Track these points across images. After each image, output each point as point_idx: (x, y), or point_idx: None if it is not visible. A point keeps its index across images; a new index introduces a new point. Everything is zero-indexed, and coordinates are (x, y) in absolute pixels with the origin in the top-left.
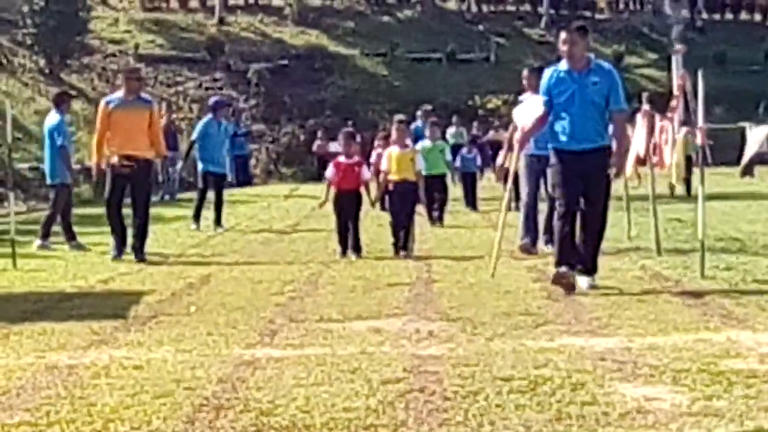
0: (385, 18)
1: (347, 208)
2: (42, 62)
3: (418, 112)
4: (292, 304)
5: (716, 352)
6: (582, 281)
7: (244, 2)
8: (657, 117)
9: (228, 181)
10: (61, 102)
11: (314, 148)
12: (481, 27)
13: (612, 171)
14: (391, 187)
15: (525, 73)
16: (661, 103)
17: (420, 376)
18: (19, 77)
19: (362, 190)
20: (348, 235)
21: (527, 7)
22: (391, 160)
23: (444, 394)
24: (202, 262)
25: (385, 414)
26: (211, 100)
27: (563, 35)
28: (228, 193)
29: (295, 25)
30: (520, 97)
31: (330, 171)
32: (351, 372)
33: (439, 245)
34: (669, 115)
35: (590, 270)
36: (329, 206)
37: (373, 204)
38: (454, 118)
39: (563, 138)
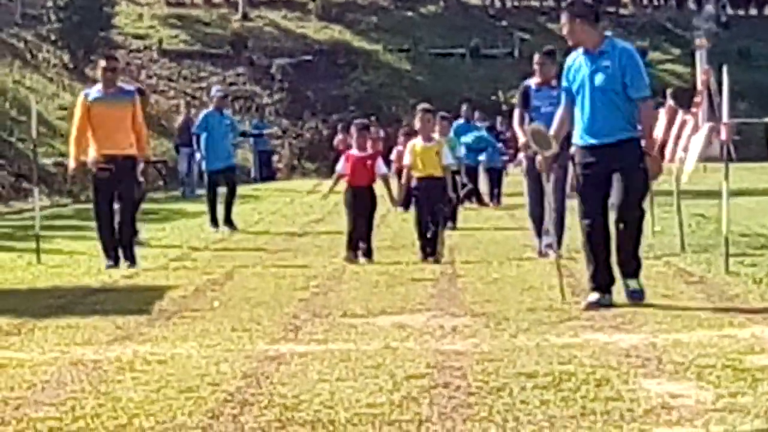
0: (409, 13)
1: (359, 206)
2: (66, 57)
3: (463, 107)
4: (315, 300)
5: (741, 348)
6: (627, 292)
7: None
8: (680, 112)
9: (252, 176)
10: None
11: (335, 142)
12: (504, 22)
13: (648, 168)
14: (414, 183)
15: (536, 57)
16: (685, 98)
17: (444, 372)
18: (43, 72)
19: (377, 187)
20: (359, 237)
21: (551, 2)
22: (415, 153)
23: (468, 390)
24: (225, 257)
25: (409, 409)
26: (213, 90)
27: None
28: (251, 188)
29: (319, 21)
30: (526, 81)
31: (340, 164)
32: (375, 367)
33: (462, 240)
34: (693, 110)
35: (632, 270)
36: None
37: (394, 204)
38: (476, 114)
39: (579, 132)
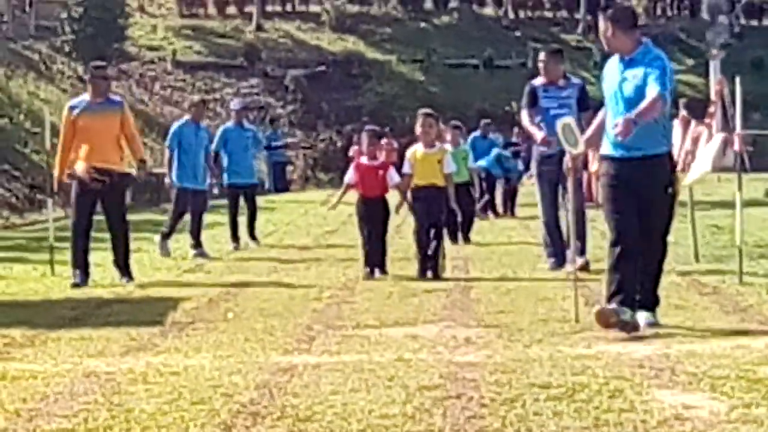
0: (422, 24)
1: (370, 218)
2: (80, 69)
3: (482, 122)
4: (329, 311)
5: (755, 359)
6: (640, 317)
7: (281, 9)
8: (693, 123)
9: (266, 188)
10: (192, 110)
11: (350, 153)
12: (518, 33)
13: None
14: (410, 193)
15: (542, 55)
16: (698, 109)
17: (457, 383)
18: (57, 84)
19: (389, 197)
20: (373, 251)
21: (564, 13)
22: (415, 160)
23: (481, 401)
24: (239, 268)
25: (422, 421)
26: (233, 104)
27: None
28: (265, 199)
29: (333, 32)
30: (533, 81)
31: (350, 174)
32: (388, 379)
33: (476, 252)
34: (707, 121)
35: (649, 304)
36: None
37: (397, 211)
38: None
39: (607, 143)
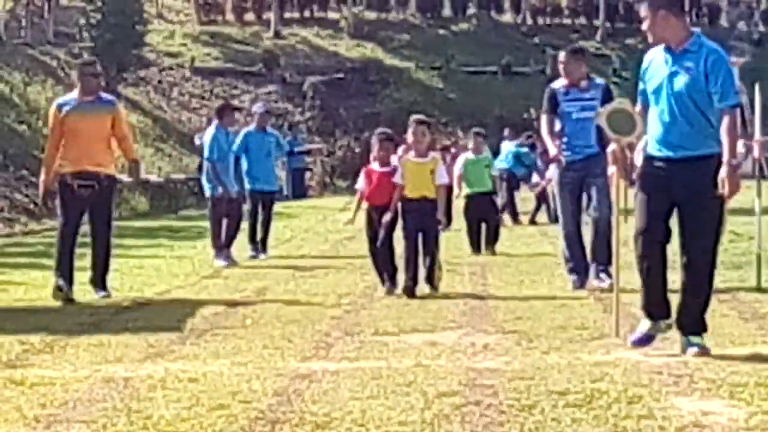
0: (441, 31)
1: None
2: None
3: (505, 132)
4: (347, 317)
5: None
6: (689, 349)
7: (299, 15)
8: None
9: (284, 194)
10: (220, 114)
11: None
12: (536, 39)
13: (721, 189)
14: (400, 206)
15: (562, 55)
16: None
17: (476, 390)
18: None
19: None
20: (386, 264)
21: (583, 19)
22: (406, 170)
23: (500, 408)
24: (257, 274)
25: (440, 427)
26: (256, 107)
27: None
28: (283, 206)
29: (351, 38)
30: (553, 84)
31: (361, 181)
32: (406, 385)
33: (493, 258)
34: None
35: (695, 329)
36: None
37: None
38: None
39: (651, 141)
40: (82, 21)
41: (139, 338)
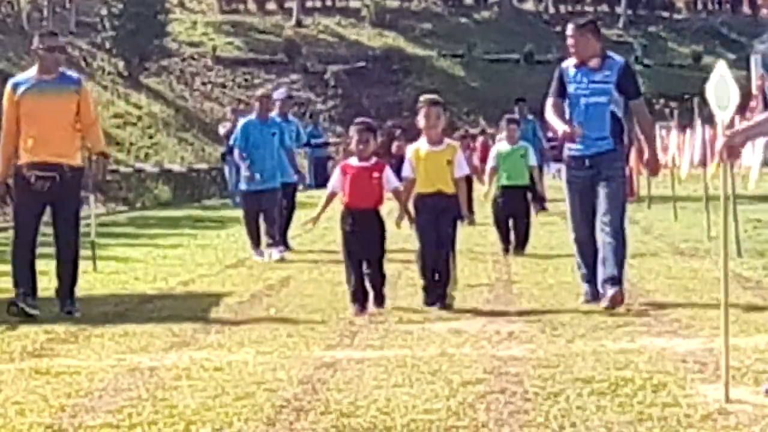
0: (463, 19)
1: (361, 236)
2: (121, 65)
3: (515, 108)
4: (371, 306)
5: None
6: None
7: (321, 4)
8: (737, 118)
9: (307, 183)
10: (258, 104)
11: (393, 149)
12: (558, 28)
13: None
14: (412, 204)
15: (569, 29)
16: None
17: (500, 378)
18: (98, 81)
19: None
20: (360, 281)
21: (605, 7)
22: (418, 160)
23: (525, 396)
24: (281, 264)
25: (465, 416)
26: (276, 93)
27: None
28: (306, 195)
29: (373, 27)
30: (563, 63)
31: (335, 178)
32: (431, 373)
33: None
34: (748, 115)
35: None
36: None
37: (398, 225)
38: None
39: None
40: (104, 11)
41: (164, 328)
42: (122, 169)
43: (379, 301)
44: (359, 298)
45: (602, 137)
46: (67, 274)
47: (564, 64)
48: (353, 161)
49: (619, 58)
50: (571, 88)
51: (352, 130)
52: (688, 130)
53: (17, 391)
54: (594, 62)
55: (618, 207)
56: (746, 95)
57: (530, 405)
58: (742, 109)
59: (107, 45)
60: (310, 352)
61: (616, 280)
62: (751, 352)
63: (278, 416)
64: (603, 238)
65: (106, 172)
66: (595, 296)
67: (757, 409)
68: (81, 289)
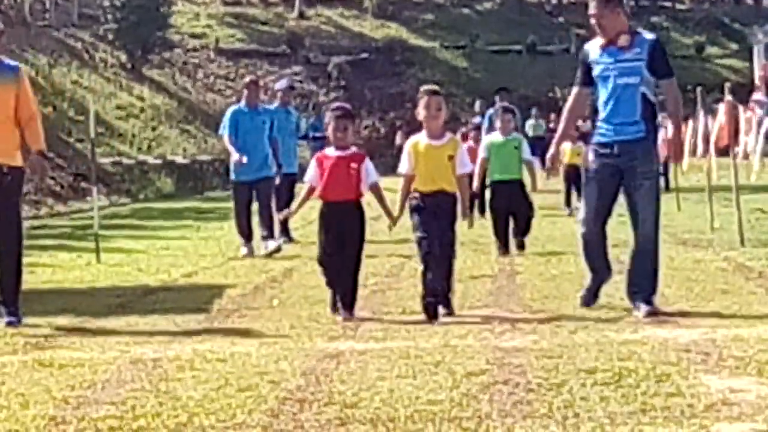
0: (465, 10)
1: (337, 233)
2: (123, 57)
3: (497, 98)
4: (374, 297)
5: None
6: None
7: None
8: (741, 108)
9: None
10: (246, 90)
11: (397, 140)
12: (561, 18)
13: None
14: (409, 203)
15: (592, 7)
16: (742, 93)
17: (504, 369)
18: (101, 72)
19: (365, 202)
20: (333, 283)
21: None
22: (418, 155)
23: (528, 387)
24: (284, 255)
25: (469, 406)
26: (278, 84)
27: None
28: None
29: (375, 18)
30: (587, 46)
31: (311, 170)
32: (434, 365)
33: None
34: (751, 105)
35: (647, 297)
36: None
37: (389, 229)
38: (534, 110)
39: None
40: (107, 3)
41: (167, 319)
42: (125, 161)
43: (348, 304)
44: (335, 302)
45: (632, 122)
46: (9, 283)
47: (587, 47)
48: (330, 151)
49: (649, 35)
50: (597, 70)
51: (328, 117)
52: (690, 121)
53: (21, 383)
54: (623, 39)
55: (653, 212)
56: (749, 85)
57: (533, 396)
58: (746, 98)
59: (110, 37)
60: (313, 344)
61: (650, 297)
62: (755, 342)
63: (282, 407)
64: (634, 246)
65: (46, 174)
66: (588, 302)
67: (760, 399)
68: (84, 281)
